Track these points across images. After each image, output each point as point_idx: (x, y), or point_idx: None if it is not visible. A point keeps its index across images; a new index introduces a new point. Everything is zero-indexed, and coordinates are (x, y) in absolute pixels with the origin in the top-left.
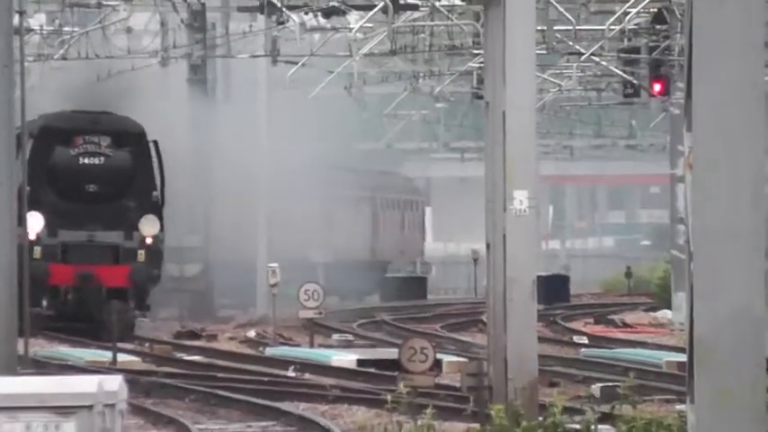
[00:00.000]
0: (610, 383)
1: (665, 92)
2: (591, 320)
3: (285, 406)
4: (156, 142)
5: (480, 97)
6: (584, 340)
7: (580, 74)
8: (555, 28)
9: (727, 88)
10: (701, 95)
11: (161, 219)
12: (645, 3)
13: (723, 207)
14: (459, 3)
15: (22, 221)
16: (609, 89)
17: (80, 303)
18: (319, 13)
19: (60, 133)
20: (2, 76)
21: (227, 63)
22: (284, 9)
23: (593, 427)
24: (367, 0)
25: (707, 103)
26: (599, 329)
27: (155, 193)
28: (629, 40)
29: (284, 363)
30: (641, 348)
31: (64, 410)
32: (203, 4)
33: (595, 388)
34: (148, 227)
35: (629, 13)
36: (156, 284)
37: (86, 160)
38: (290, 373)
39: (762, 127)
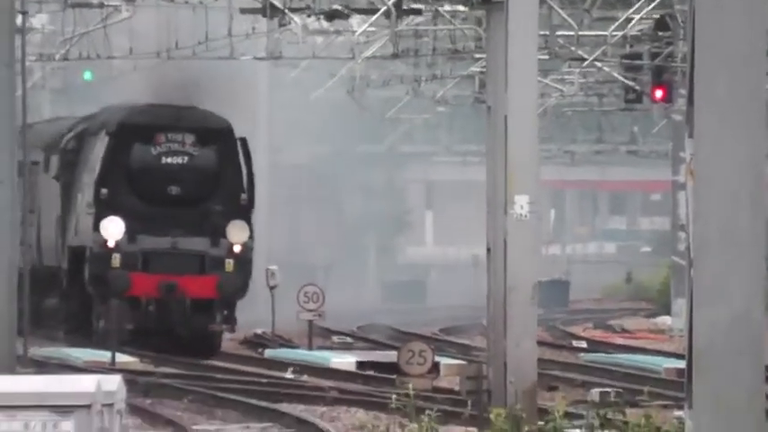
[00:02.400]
0: (609, 389)
1: (667, 98)
2: (590, 326)
3: (283, 407)
4: (244, 139)
5: (482, 101)
6: (584, 345)
7: (582, 79)
8: (557, 33)
9: (728, 95)
10: (702, 102)
11: (250, 224)
12: (648, 9)
13: (724, 214)
14: (462, 8)
15: (98, 227)
16: (611, 95)
17: (162, 317)
18: (322, 16)
19: (140, 130)
20: (4, 75)
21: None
22: (287, 11)
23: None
24: (370, 4)
25: (709, 110)
26: (598, 335)
27: (243, 196)
28: (632, 46)
29: (283, 364)
30: (640, 354)
31: (62, 409)
32: (206, 6)
33: (595, 393)
34: (237, 233)
35: (631, 19)
36: (243, 296)
37: (169, 160)
38: (289, 375)
39: (763, 134)
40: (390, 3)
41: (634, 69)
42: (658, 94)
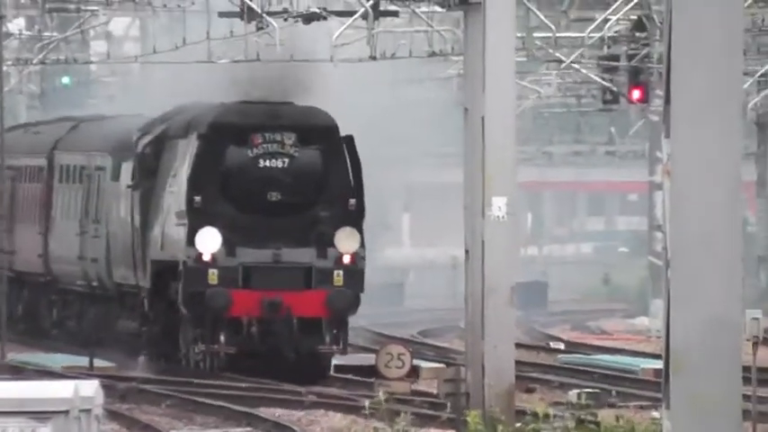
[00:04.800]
0: (587, 390)
1: (644, 99)
2: (568, 327)
3: (262, 412)
4: (350, 137)
5: (460, 104)
6: (561, 346)
7: (560, 81)
8: (535, 35)
9: (705, 96)
10: (679, 102)
11: (361, 232)
12: (625, 10)
13: (700, 214)
14: (440, 9)
15: (192, 240)
16: (588, 96)
17: (266, 338)
18: (299, 19)
19: (234, 130)
20: None
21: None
22: (264, 15)
23: None
24: (347, 6)
25: (685, 111)
26: (576, 336)
27: (351, 201)
28: (609, 47)
29: None
30: (618, 355)
31: (40, 415)
32: (183, 10)
33: (573, 394)
34: (346, 242)
35: (609, 20)
36: (355, 312)
37: (267, 163)
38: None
39: (739, 135)
40: (368, 5)
41: (611, 70)
42: (635, 94)
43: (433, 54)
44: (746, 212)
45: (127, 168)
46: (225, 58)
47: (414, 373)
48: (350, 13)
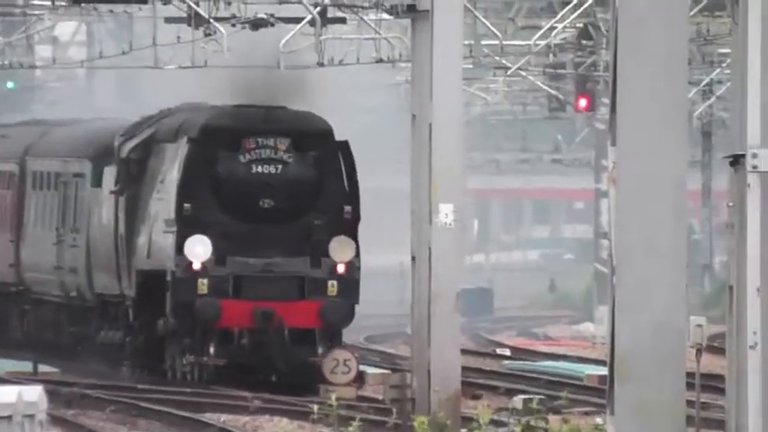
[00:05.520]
0: (532, 396)
1: (591, 107)
2: (514, 333)
3: (207, 417)
4: (345, 143)
5: (407, 110)
6: (507, 353)
7: (506, 88)
8: (482, 42)
9: (650, 104)
10: (625, 111)
11: (356, 240)
12: (571, 19)
13: (645, 222)
14: (388, 17)
15: (181, 248)
16: (535, 104)
17: (258, 349)
18: (247, 26)
19: (226, 134)
20: None
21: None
22: (212, 21)
23: None
24: (295, 12)
25: (631, 119)
26: (522, 342)
27: (347, 208)
28: (555, 55)
29: None
30: (563, 361)
31: None
32: (131, 15)
33: (517, 400)
34: (341, 251)
35: (555, 28)
36: (350, 324)
37: (260, 169)
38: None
39: (684, 143)
40: (316, 12)
41: (558, 78)
42: (582, 102)
43: (380, 61)
44: (692, 220)
45: (110, 174)
46: (172, 64)
47: (360, 378)
48: (297, 20)
